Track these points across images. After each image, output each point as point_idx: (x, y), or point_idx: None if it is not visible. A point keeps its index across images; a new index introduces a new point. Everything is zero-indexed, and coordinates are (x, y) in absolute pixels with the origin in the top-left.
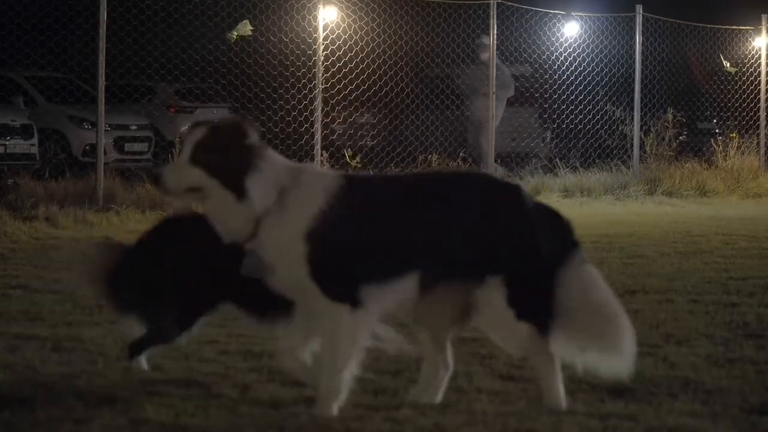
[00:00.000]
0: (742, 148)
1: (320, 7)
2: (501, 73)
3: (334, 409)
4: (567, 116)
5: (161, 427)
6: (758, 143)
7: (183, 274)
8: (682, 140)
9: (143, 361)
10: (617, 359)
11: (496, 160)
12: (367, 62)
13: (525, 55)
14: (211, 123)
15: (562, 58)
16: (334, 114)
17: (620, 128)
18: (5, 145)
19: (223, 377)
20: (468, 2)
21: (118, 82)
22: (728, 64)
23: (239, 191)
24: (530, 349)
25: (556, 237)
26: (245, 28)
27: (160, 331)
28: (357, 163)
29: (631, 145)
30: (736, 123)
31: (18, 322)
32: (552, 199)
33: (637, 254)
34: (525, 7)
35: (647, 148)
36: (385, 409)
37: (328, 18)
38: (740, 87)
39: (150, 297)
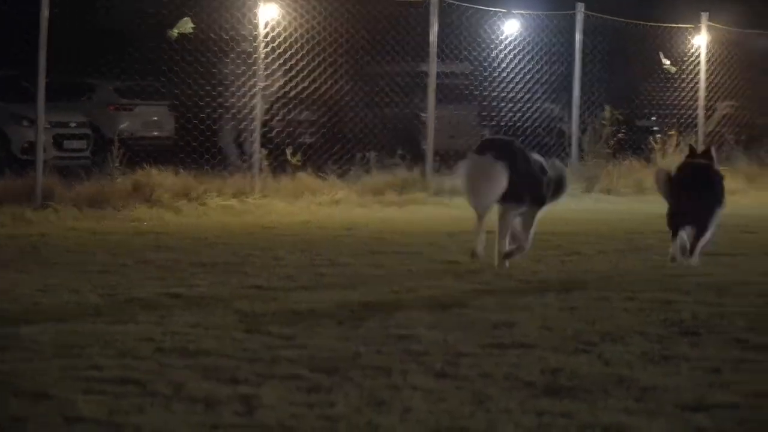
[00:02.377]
0: (681, 146)
1: (260, 4)
2: None
3: None
4: (506, 114)
5: (96, 424)
6: (697, 141)
7: None
8: (620, 138)
9: None
10: None
11: (434, 158)
12: (308, 59)
13: (465, 53)
14: None
15: (501, 56)
16: (273, 111)
17: (559, 126)
18: None
19: (158, 375)
20: (408, 0)
21: (58, 80)
22: (668, 63)
23: None
24: None
25: None
26: (186, 25)
27: None
28: (297, 160)
29: (570, 143)
30: (675, 121)
31: None
32: None
33: (574, 251)
34: (466, 4)
35: (585, 146)
36: (320, 406)
37: (268, 15)
38: (679, 85)
39: None
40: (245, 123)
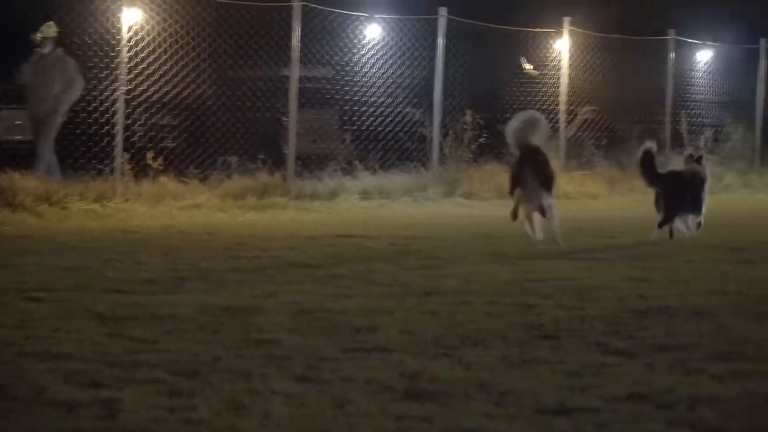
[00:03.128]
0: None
1: (124, 8)
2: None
3: None
4: (367, 118)
5: None
6: (558, 145)
7: None
8: (481, 142)
9: None
10: None
11: (296, 162)
12: (171, 64)
13: (327, 57)
14: None
15: (363, 60)
16: (135, 116)
17: (420, 130)
18: None
19: (19, 379)
20: (271, 4)
21: None
22: (529, 67)
23: None
24: None
25: None
26: (50, 29)
27: None
28: (159, 165)
29: (431, 147)
30: None
31: None
32: (350, 201)
33: (435, 256)
34: (328, 9)
35: (446, 151)
36: (181, 410)
37: (132, 19)
38: (541, 89)
39: None
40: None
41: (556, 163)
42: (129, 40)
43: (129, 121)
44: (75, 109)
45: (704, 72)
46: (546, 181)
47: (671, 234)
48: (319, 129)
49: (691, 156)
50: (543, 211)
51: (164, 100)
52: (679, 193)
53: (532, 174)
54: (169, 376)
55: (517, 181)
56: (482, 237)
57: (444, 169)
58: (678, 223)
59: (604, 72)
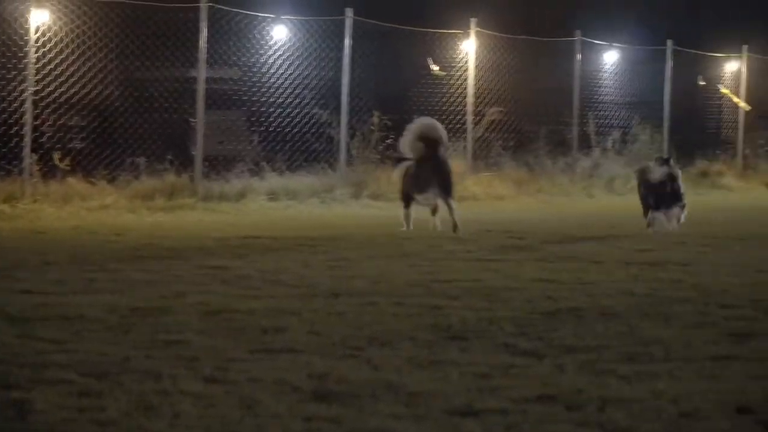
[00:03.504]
0: (450, 152)
1: (32, 9)
2: None
3: None
4: (275, 119)
5: None
6: (465, 147)
7: None
8: (389, 143)
9: None
10: None
11: (203, 163)
12: (79, 64)
13: (234, 59)
14: None
15: (270, 61)
16: (43, 116)
17: (327, 131)
18: None
19: None
20: (179, 5)
21: None
22: (436, 68)
23: None
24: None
25: None
26: None
27: None
28: (66, 165)
29: (338, 148)
30: (443, 126)
31: None
32: (258, 202)
33: (342, 257)
34: (235, 10)
35: (354, 152)
36: (90, 411)
37: (40, 20)
38: (448, 90)
39: None
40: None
41: (463, 165)
42: (37, 41)
43: (37, 122)
44: None
45: (611, 73)
46: (447, 185)
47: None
48: (226, 130)
49: (660, 158)
50: (435, 211)
51: (72, 100)
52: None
53: (432, 178)
54: (78, 377)
55: (416, 185)
56: (389, 238)
57: (351, 170)
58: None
59: (511, 73)
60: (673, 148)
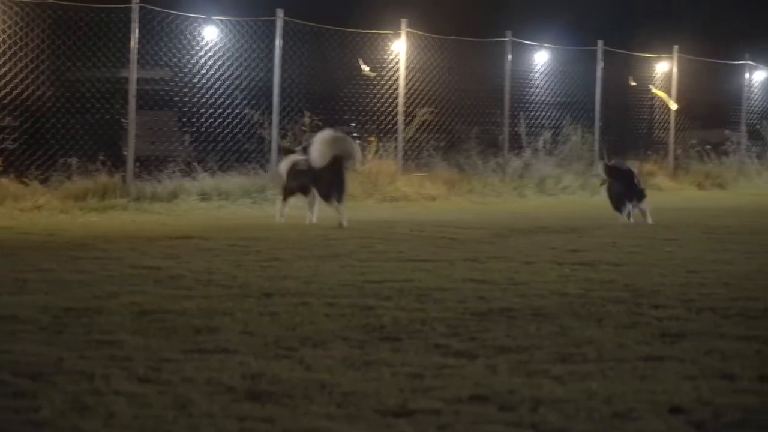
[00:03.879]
0: (380, 153)
1: None
2: None
3: None
4: (206, 120)
5: None
6: (396, 147)
7: None
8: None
9: None
10: None
11: (135, 163)
12: (10, 65)
13: (165, 59)
14: None
15: (201, 62)
16: None
17: (259, 132)
18: None
19: None
20: (109, 6)
21: None
22: (367, 69)
23: None
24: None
25: None
26: None
27: None
28: None
29: (270, 148)
30: (374, 127)
31: None
32: (190, 203)
33: (273, 257)
34: (166, 10)
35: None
36: (25, 411)
37: None
38: (379, 91)
39: None
40: None
41: (394, 165)
42: None
43: None
44: None
45: (542, 74)
46: (344, 193)
47: (628, 216)
48: (158, 130)
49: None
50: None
51: (4, 101)
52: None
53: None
54: (12, 378)
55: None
56: (321, 238)
57: None
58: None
59: (442, 74)
60: (605, 148)
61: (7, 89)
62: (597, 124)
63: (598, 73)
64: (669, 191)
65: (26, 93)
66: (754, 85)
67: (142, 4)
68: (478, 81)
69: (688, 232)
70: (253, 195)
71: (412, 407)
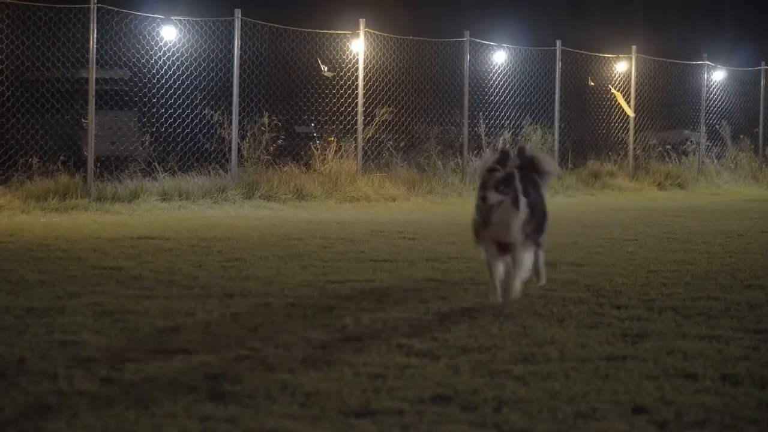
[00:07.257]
0: (341, 153)
1: None
2: None
3: None
4: (166, 120)
5: None
6: (356, 147)
7: None
8: (280, 144)
9: None
10: None
11: (95, 164)
12: None
13: (124, 59)
14: None
15: (161, 62)
16: None
17: (219, 132)
18: None
19: None
20: (67, 5)
21: None
22: (326, 69)
23: None
24: None
25: None
26: None
27: None
28: None
29: (230, 148)
30: (334, 127)
31: None
32: (151, 203)
33: (235, 258)
34: (125, 10)
35: (245, 152)
36: None
37: None
38: (338, 91)
39: None
40: None
41: (354, 165)
42: None
43: None
44: None
45: (501, 74)
46: None
47: None
48: (118, 131)
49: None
50: None
51: None
52: None
53: None
54: None
55: None
56: (282, 238)
57: (243, 171)
58: None
59: (401, 74)
60: (565, 148)
61: None
62: (557, 124)
63: (557, 74)
64: (629, 191)
65: None
66: (713, 86)
67: (101, 5)
68: (437, 81)
69: (649, 233)
70: (214, 195)
71: (374, 407)
